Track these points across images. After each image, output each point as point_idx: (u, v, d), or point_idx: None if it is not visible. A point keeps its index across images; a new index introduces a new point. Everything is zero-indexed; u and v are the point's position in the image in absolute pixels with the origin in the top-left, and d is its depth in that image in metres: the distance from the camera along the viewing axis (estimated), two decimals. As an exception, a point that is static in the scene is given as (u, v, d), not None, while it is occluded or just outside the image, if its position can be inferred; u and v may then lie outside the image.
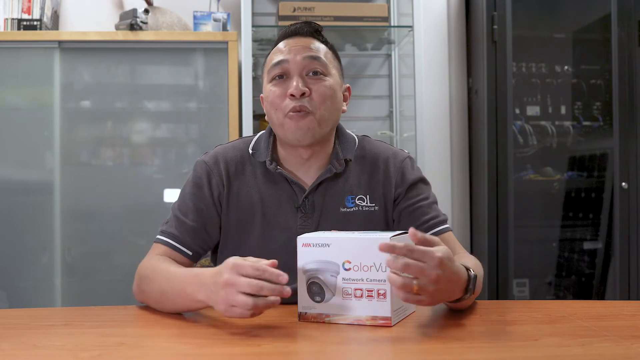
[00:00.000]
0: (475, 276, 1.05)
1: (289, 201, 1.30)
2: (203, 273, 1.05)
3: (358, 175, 1.33)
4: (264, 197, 1.31)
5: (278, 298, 0.97)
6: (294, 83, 1.25)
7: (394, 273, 0.94)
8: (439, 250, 0.96)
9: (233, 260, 1.00)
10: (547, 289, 2.88)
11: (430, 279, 0.93)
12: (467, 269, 1.04)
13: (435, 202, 1.35)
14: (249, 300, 0.96)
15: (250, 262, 0.99)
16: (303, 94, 1.25)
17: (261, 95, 1.38)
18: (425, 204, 1.32)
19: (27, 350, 0.90)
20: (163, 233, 1.30)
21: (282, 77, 1.28)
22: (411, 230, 0.96)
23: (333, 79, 1.29)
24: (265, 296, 0.97)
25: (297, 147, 1.29)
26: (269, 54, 1.35)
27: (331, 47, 1.35)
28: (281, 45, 1.31)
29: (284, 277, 0.97)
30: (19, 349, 0.90)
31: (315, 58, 1.27)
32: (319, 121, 1.26)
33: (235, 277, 0.97)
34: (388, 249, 0.94)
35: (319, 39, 1.33)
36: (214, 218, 1.31)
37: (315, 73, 1.27)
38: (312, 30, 1.32)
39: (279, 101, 1.26)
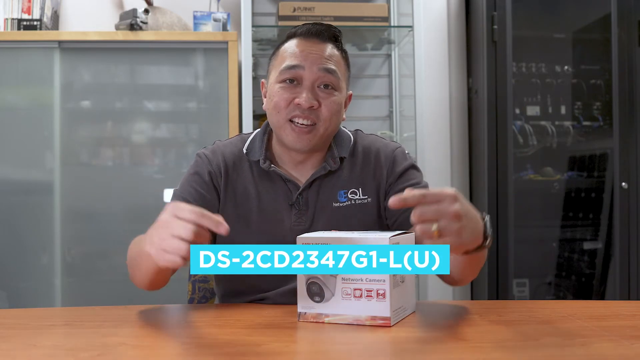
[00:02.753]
0: (489, 220, 1.02)
1: (283, 198, 1.31)
2: (152, 227, 1.02)
3: (350, 170, 1.34)
4: (260, 193, 1.31)
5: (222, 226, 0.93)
6: (304, 95, 1.24)
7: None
8: (447, 188, 0.94)
9: (173, 202, 0.99)
10: (547, 289, 2.88)
11: (450, 216, 0.91)
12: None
13: (427, 187, 1.34)
14: (182, 246, 0.92)
15: (189, 207, 0.95)
16: (311, 107, 1.25)
17: (262, 80, 1.38)
18: (417, 184, 1.31)
19: (27, 350, 0.90)
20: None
21: (293, 81, 1.27)
22: (406, 192, 0.92)
23: (341, 94, 1.30)
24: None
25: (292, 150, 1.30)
26: (281, 44, 1.32)
27: (345, 55, 1.34)
28: (297, 46, 1.28)
29: (225, 227, 0.93)
30: (19, 349, 0.90)
31: (331, 71, 1.27)
32: (322, 135, 1.28)
33: (172, 218, 0.94)
34: (400, 202, 0.91)
35: (335, 45, 1.31)
36: (214, 205, 1.31)
37: (327, 86, 1.27)
38: (331, 35, 1.31)
39: (283, 104, 1.26)
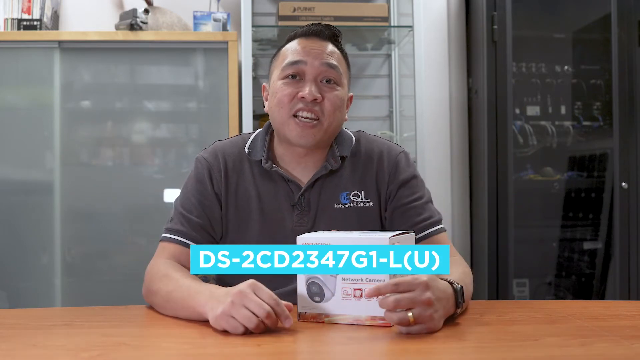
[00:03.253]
0: (462, 288, 1.05)
1: (285, 199, 1.31)
2: (218, 289, 1.05)
3: (353, 171, 1.33)
4: (261, 194, 1.31)
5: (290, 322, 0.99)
6: (307, 88, 1.25)
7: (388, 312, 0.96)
8: (422, 275, 0.97)
9: (254, 280, 1.00)
10: (547, 289, 2.88)
11: (423, 304, 0.95)
12: (451, 283, 1.04)
13: (430, 201, 1.35)
14: (253, 318, 0.95)
15: (268, 290, 1.00)
16: (315, 100, 1.25)
17: (264, 84, 1.38)
18: (419, 203, 1.31)
19: (27, 350, 0.90)
20: (170, 231, 1.29)
21: (296, 77, 1.27)
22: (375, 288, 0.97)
23: (343, 90, 1.30)
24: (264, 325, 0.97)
25: (295, 146, 1.30)
26: (281, 47, 1.33)
27: (345, 55, 1.34)
28: (298, 44, 1.30)
29: (290, 321, 0.98)
30: (19, 349, 0.90)
31: (332, 66, 1.27)
32: (326, 129, 1.27)
33: (250, 292, 0.98)
34: (374, 293, 0.96)
35: (335, 45, 1.32)
36: (217, 213, 1.31)
37: (329, 81, 1.28)
38: (331, 34, 1.32)
39: (287, 100, 1.26)
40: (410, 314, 0.94)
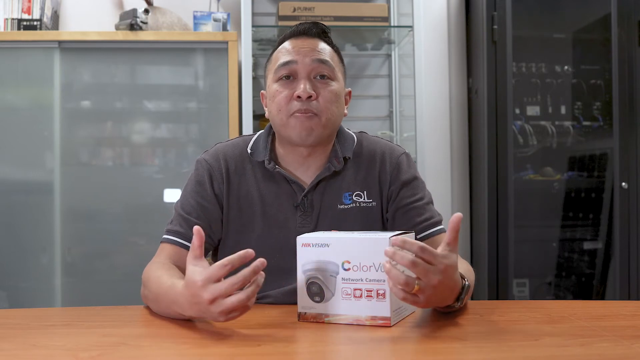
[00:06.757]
0: (469, 286, 1.06)
1: (288, 200, 1.31)
2: (183, 295, 1.00)
3: (355, 172, 1.33)
4: (263, 195, 1.31)
5: (262, 275, 0.96)
6: (302, 85, 1.25)
7: (395, 268, 0.93)
8: (448, 256, 0.96)
9: (194, 278, 0.96)
10: (547, 289, 2.88)
11: (431, 283, 0.94)
12: (463, 278, 1.05)
13: (431, 202, 1.35)
14: (242, 295, 0.93)
15: (210, 269, 0.95)
16: (310, 97, 1.25)
17: (262, 91, 1.39)
18: (420, 204, 1.32)
19: (27, 350, 0.90)
20: (169, 232, 1.30)
21: (289, 77, 1.28)
22: (405, 239, 0.95)
23: (338, 84, 1.30)
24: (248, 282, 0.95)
25: (298, 146, 1.30)
26: (273, 50, 1.34)
27: (337, 50, 1.35)
28: (288, 45, 1.30)
29: (250, 252, 0.95)
30: (19, 349, 0.90)
31: (324, 62, 1.28)
32: (324, 124, 1.27)
33: (213, 289, 0.94)
34: (400, 243, 0.94)
35: (325, 41, 1.33)
36: (216, 215, 1.32)
37: (322, 77, 1.28)
38: (319, 31, 1.32)
39: (284, 102, 1.26)
40: (417, 282, 0.93)
